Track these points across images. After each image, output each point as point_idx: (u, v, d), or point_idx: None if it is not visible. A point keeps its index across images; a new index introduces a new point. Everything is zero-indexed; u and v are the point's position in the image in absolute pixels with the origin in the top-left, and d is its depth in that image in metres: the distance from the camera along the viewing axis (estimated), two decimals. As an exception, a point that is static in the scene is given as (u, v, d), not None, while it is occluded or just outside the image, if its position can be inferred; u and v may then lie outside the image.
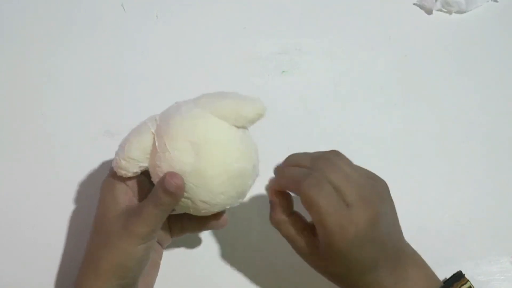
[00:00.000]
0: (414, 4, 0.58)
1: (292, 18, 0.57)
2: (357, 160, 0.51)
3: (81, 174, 0.50)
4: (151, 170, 0.38)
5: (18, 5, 0.57)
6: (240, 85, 0.54)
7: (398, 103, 0.54)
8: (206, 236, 0.48)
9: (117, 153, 0.38)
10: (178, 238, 0.45)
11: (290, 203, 0.40)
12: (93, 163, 0.50)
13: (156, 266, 0.44)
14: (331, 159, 0.38)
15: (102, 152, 0.50)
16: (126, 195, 0.39)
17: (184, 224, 0.43)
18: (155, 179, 0.38)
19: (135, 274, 0.39)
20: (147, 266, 0.40)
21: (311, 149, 0.51)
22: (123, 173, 0.38)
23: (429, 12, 0.58)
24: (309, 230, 0.38)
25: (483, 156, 0.52)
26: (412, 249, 0.41)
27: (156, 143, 0.37)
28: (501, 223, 0.49)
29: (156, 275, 0.44)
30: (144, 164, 0.38)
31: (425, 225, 0.49)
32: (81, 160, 0.50)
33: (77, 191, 0.49)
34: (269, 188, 0.40)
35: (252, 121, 0.38)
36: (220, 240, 0.48)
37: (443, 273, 0.47)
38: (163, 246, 0.44)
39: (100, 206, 0.40)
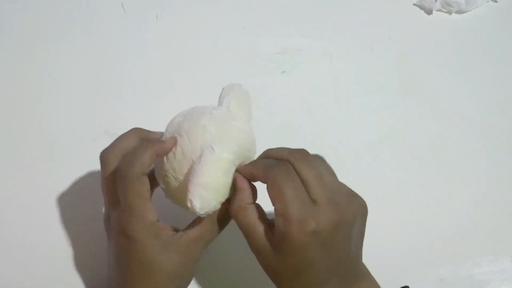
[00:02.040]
0: (414, 4, 0.58)
1: (292, 18, 0.57)
2: (357, 160, 0.51)
3: (81, 174, 0.50)
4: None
5: (18, 5, 0.57)
6: (240, 85, 0.54)
7: (398, 103, 0.54)
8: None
9: (204, 199, 0.36)
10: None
11: (255, 193, 0.39)
12: (93, 163, 0.50)
13: None
14: (309, 156, 0.37)
15: (102, 152, 0.50)
16: (159, 228, 0.38)
17: None
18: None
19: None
20: None
21: (311, 149, 0.51)
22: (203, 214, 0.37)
23: (429, 12, 0.58)
24: (268, 223, 0.37)
25: (483, 156, 0.52)
26: (367, 270, 0.40)
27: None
28: (501, 223, 0.49)
29: None
30: None
31: (425, 225, 0.49)
32: (81, 160, 0.50)
33: (77, 191, 0.49)
34: (237, 175, 0.38)
35: None
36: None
37: (443, 273, 0.47)
38: None
39: (147, 253, 0.37)
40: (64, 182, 0.49)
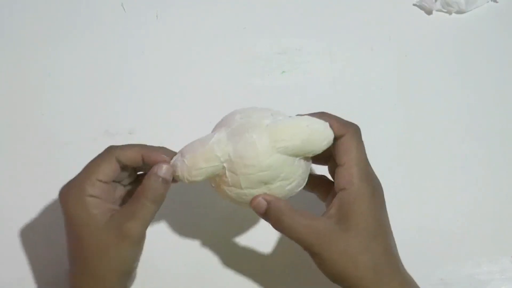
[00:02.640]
0: (414, 4, 0.58)
1: (292, 18, 0.57)
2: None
3: (81, 174, 0.50)
4: (217, 189, 0.39)
5: (18, 5, 0.57)
6: (240, 85, 0.54)
7: (398, 103, 0.54)
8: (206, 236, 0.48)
9: (177, 165, 0.38)
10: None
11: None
12: (93, 163, 0.50)
13: None
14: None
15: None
16: (99, 207, 0.37)
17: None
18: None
19: (135, 268, 0.39)
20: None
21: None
22: (178, 180, 0.38)
23: (429, 12, 0.58)
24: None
25: (483, 156, 0.52)
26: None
27: (229, 179, 0.37)
28: (501, 223, 0.49)
29: None
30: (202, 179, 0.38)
31: (425, 225, 0.49)
32: (81, 160, 0.50)
33: (77, 191, 0.49)
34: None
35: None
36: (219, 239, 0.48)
37: (444, 273, 0.47)
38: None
39: (74, 224, 0.37)
40: (64, 182, 0.49)
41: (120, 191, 0.41)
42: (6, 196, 0.49)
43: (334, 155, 0.39)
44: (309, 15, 0.58)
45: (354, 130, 0.39)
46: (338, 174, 0.37)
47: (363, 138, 0.47)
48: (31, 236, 0.48)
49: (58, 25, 0.56)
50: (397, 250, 0.38)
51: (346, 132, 0.38)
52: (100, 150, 0.50)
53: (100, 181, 0.38)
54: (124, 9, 0.57)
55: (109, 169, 0.38)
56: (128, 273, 0.38)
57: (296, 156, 0.38)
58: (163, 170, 0.37)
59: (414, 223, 0.49)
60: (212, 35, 0.56)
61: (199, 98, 0.53)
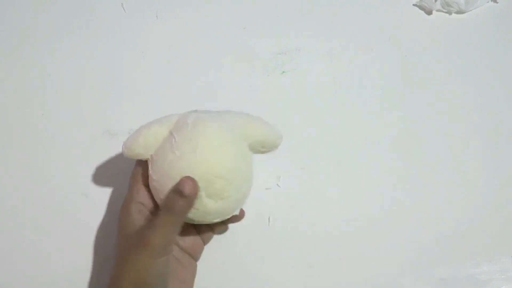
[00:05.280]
0: (414, 4, 0.58)
1: (292, 18, 0.57)
2: (356, 160, 0.52)
3: (81, 174, 0.50)
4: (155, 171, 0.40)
5: (18, 5, 0.57)
6: (240, 85, 0.54)
7: (398, 103, 0.54)
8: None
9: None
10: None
11: None
12: (93, 163, 0.50)
13: (187, 285, 0.42)
14: None
15: (102, 152, 0.50)
16: (141, 213, 0.39)
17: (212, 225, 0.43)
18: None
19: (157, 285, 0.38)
20: (169, 283, 0.39)
21: (310, 149, 0.51)
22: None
23: (429, 12, 0.58)
24: None
25: (483, 156, 0.52)
26: None
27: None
28: (501, 223, 0.49)
29: None
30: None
31: (425, 225, 0.49)
32: (81, 160, 0.50)
33: (77, 191, 0.49)
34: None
35: (269, 150, 0.41)
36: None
37: (443, 273, 0.47)
38: (196, 257, 0.43)
39: (118, 228, 0.40)
40: (64, 182, 0.49)
41: None
42: (5, 196, 0.49)
43: None
44: (309, 15, 0.58)
45: None
46: None
47: (363, 139, 0.48)
48: (31, 236, 0.48)
49: (58, 25, 0.56)
50: None
51: None
52: (100, 150, 0.50)
53: (145, 185, 0.41)
54: (124, 9, 0.57)
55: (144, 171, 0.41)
56: (144, 285, 0.37)
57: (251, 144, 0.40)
58: (184, 185, 0.37)
59: (414, 223, 0.49)
60: (212, 35, 0.56)
61: (199, 98, 0.53)
